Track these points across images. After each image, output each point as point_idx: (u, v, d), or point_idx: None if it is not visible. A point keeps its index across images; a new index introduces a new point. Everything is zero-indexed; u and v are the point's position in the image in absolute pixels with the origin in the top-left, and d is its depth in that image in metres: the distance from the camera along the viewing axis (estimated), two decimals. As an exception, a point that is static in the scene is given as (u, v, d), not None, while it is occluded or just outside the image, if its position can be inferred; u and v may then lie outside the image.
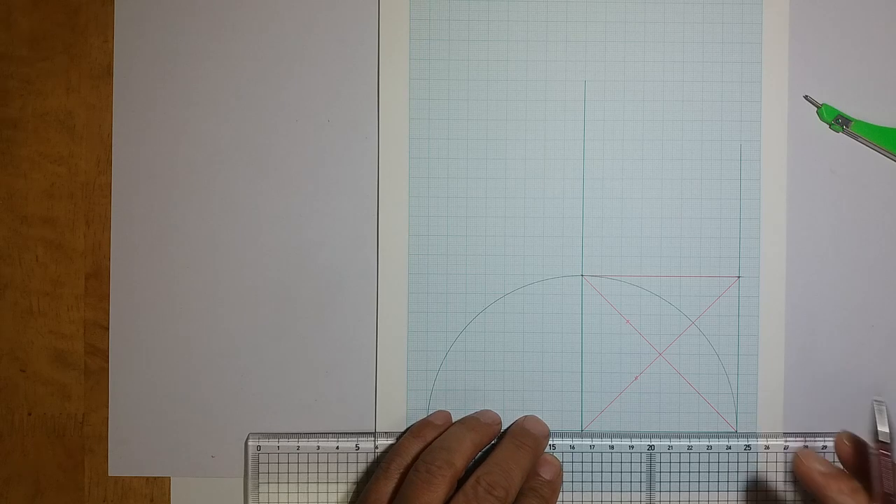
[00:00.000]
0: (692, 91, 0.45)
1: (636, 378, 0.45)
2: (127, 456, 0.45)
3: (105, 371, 0.45)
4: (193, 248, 0.45)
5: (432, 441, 0.43)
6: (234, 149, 0.45)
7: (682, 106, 0.45)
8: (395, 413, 0.45)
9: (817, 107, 0.45)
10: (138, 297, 0.45)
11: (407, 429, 0.45)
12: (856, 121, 0.44)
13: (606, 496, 0.45)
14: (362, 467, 0.45)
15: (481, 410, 0.45)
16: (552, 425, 0.45)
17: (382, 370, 0.45)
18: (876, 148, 0.45)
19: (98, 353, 0.45)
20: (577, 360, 0.45)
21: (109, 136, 0.45)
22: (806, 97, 0.45)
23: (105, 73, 0.45)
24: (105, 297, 0.45)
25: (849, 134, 0.45)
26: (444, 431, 0.43)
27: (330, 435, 0.45)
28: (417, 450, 0.42)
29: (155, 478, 0.45)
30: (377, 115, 0.45)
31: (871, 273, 0.45)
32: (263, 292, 0.45)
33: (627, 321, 0.45)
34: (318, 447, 0.45)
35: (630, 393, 0.45)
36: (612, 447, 0.45)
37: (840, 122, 0.44)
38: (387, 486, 0.41)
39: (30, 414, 0.46)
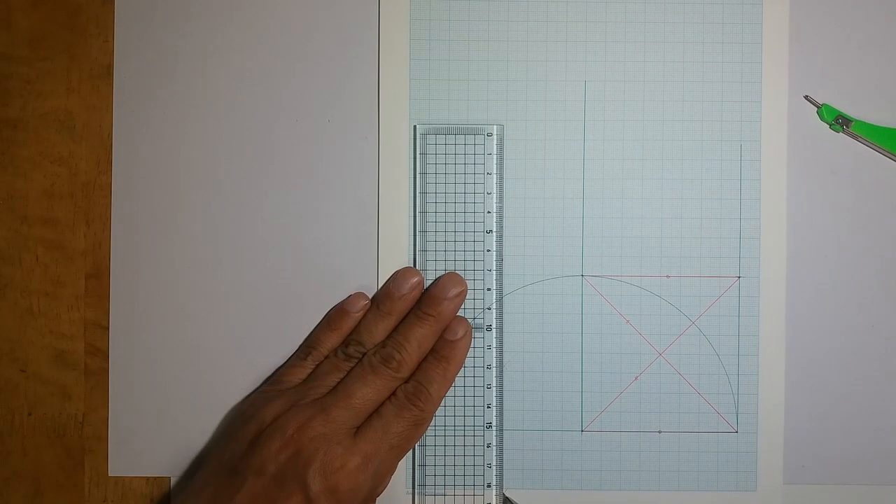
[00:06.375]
0: (692, 91, 0.45)
1: (636, 378, 0.45)
2: (127, 456, 0.45)
3: (105, 371, 0.45)
4: (194, 247, 0.45)
5: (350, 332, 0.44)
6: (234, 149, 0.45)
7: (682, 106, 0.45)
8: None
9: (817, 107, 0.45)
10: (138, 296, 0.45)
11: (324, 317, 0.45)
12: (856, 121, 0.44)
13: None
14: None
15: (397, 280, 0.44)
16: (552, 425, 0.45)
17: (382, 370, 0.45)
18: (876, 148, 0.45)
19: (98, 353, 0.45)
20: (577, 360, 0.45)
21: (109, 136, 0.45)
22: (806, 97, 0.45)
23: (105, 74, 0.45)
24: (105, 297, 0.45)
25: (849, 134, 0.45)
26: (363, 316, 0.44)
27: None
28: (335, 343, 0.44)
29: (155, 478, 0.45)
30: (377, 115, 0.45)
31: (871, 273, 0.45)
32: (264, 292, 0.45)
33: (627, 321, 0.45)
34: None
35: (630, 393, 0.45)
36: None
37: (840, 122, 0.44)
38: (301, 373, 0.43)
39: (30, 414, 0.46)
